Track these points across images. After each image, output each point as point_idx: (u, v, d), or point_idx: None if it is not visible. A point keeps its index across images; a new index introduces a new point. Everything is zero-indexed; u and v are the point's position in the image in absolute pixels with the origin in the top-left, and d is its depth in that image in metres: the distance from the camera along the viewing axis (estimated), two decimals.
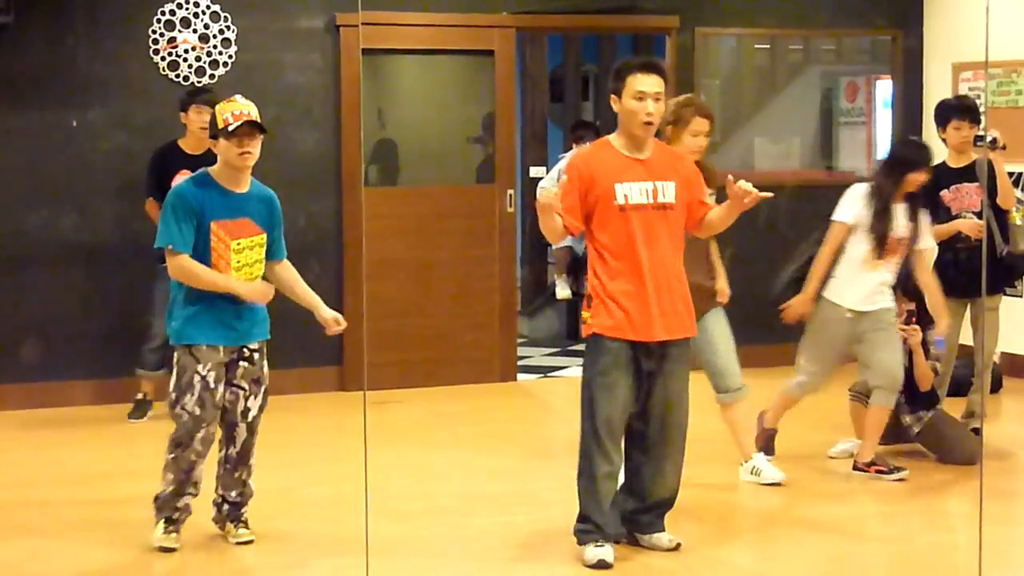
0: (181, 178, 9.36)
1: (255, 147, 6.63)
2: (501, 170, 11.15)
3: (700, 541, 6.90)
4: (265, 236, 6.72)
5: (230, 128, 6.52)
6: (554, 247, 12.78)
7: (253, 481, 6.92)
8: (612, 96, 6.48)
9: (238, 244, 6.59)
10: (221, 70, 10.39)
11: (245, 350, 6.72)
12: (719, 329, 7.75)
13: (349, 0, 10.51)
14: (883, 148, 12.34)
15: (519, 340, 11.71)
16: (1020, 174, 10.40)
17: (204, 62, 10.36)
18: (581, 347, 13.34)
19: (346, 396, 10.52)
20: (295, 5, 10.59)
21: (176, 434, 6.65)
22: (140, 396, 9.79)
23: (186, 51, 10.32)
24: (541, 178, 13.11)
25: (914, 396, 8.42)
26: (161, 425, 9.48)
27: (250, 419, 6.79)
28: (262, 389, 6.81)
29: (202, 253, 6.56)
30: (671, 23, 11.40)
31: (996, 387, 10.15)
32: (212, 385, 6.59)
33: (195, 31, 10.34)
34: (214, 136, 6.63)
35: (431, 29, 10.87)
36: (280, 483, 8.00)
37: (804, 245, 8.38)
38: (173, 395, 6.63)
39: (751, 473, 7.95)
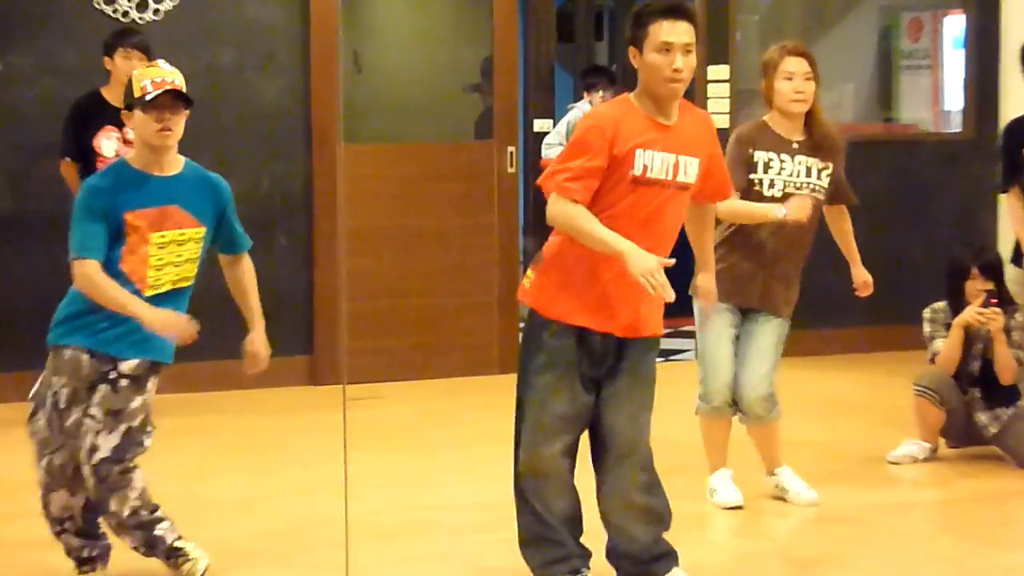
0: (105, 135, 9.44)
1: (177, 124, 6.39)
2: (501, 123, 11.15)
3: (729, 560, 6.91)
4: (204, 230, 6.49)
5: (148, 97, 6.29)
6: None
7: (164, 510, 6.57)
8: (631, 49, 6.22)
9: (160, 237, 6.34)
10: (167, 4, 10.38)
11: (114, 372, 6.37)
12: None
13: None
14: (952, 96, 12.35)
15: (521, 324, 11.70)
16: None
17: None
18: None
19: (318, 391, 10.53)
20: None
21: (37, 438, 6.50)
22: None
23: None
24: (547, 132, 13.17)
25: (992, 391, 8.46)
26: None
27: (97, 461, 6.31)
28: (122, 427, 6.35)
29: (112, 250, 6.34)
30: None
31: None
32: (63, 404, 6.36)
33: None
34: (129, 107, 6.39)
35: None
36: (243, 493, 8.02)
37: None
38: (32, 404, 6.49)
39: (776, 489, 7.94)
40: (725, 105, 11.43)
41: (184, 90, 6.41)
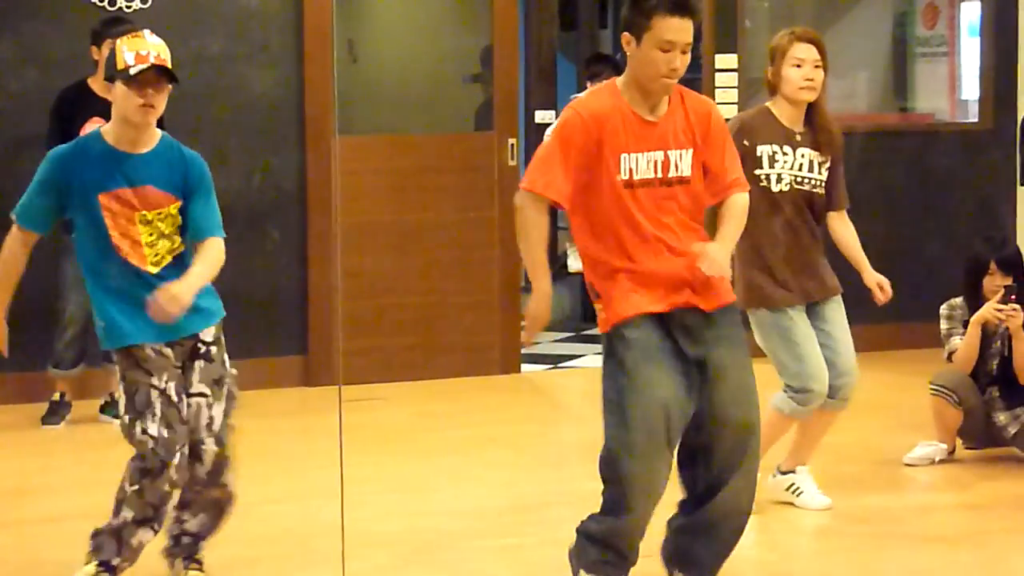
0: (92, 126, 9.36)
1: (160, 100, 6.26)
2: (502, 114, 11.14)
3: (747, 563, 6.88)
4: (180, 203, 6.37)
5: (132, 71, 6.17)
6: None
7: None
8: (626, 35, 6.07)
9: (143, 216, 6.29)
10: None
11: (200, 345, 6.46)
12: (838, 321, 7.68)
13: None
14: (968, 85, 12.32)
15: (523, 324, 11.66)
16: None
17: None
18: (597, 331, 13.46)
19: (313, 392, 10.51)
20: None
21: (144, 463, 6.33)
22: (56, 397, 9.76)
23: None
24: (549, 124, 13.13)
25: (1011, 390, 8.45)
26: (81, 431, 9.54)
27: (216, 430, 6.47)
28: (224, 391, 6.50)
29: (95, 235, 6.30)
30: None
31: None
32: (176, 398, 6.34)
33: None
34: (110, 78, 6.29)
35: None
36: (240, 497, 7.98)
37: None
38: (127, 418, 6.33)
39: (789, 490, 7.89)
40: (734, 95, 11.41)
41: (169, 65, 6.27)
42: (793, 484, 7.82)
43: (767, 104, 7.66)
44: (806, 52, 7.52)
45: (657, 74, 5.97)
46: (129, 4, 10.25)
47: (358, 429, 8.82)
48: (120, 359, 6.33)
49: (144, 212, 6.27)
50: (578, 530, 6.27)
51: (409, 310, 10.85)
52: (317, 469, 8.25)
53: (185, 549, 6.63)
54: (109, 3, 10.21)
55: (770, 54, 7.66)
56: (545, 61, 14.27)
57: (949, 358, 8.52)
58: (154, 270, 6.30)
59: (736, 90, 11.41)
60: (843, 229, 7.81)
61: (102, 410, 9.78)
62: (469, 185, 10.98)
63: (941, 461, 8.56)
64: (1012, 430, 8.47)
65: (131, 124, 6.27)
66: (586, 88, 13.00)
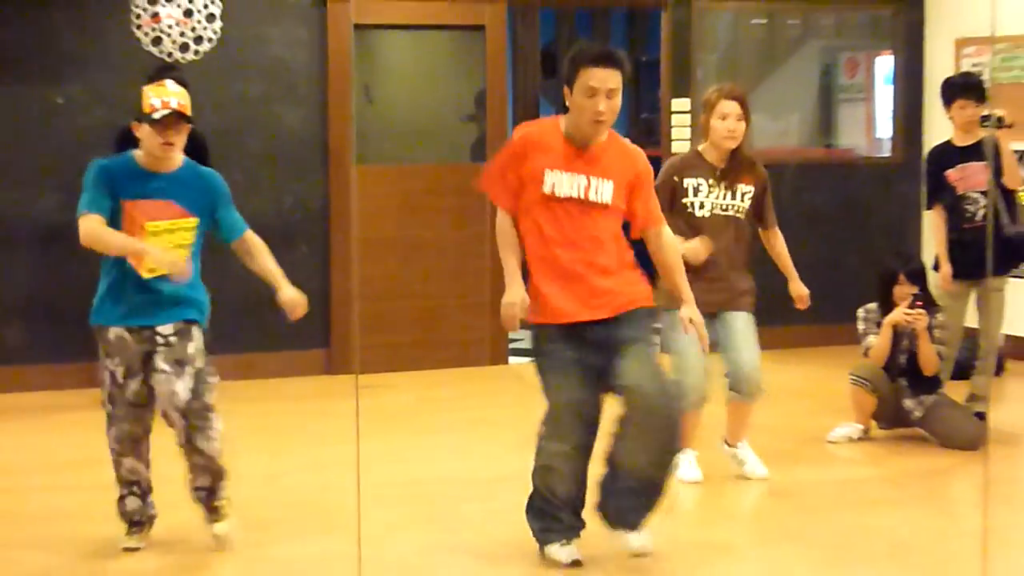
0: None
1: (180, 138, 6.31)
2: (492, 147, 11.10)
3: (694, 526, 6.87)
4: (196, 220, 6.39)
5: (155, 116, 6.21)
6: None
7: (228, 466, 6.62)
8: (565, 88, 6.06)
9: (155, 226, 6.26)
10: (206, 45, 10.34)
11: (158, 336, 6.38)
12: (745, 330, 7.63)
13: None
14: (883, 125, 12.33)
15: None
16: None
17: (188, 37, 10.31)
18: None
19: (333, 380, 10.49)
20: None
21: (111, 430, 6.52)
22: None
23: (170, 26, 10.27)
24: None
25: (917, 380, 8.45)
26: None
27: (180, 404, 6.35)
28: (187, 369, 6.37)
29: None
30: None
31: (999, 370, 10.13)
32: (120, 379, 6.39)
33: (179, 6, 10.29)
34: (138, 119, 6.32)
35: (420, 4, 10.82)
36: (265, 469, 7.98)
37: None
38: (102, 390, 6.50)
39: (734, 460, 7.90)
40: (687, 133, 11.39)
41: (188, 111, 6.31)
42: (736, 456, 7.83)
43: (699, 147, 7.71)
44: (730, 108, 7.55)
45: (586, 119, 5.99)
46: (184, 56, 10.24)
47: (371, 411, 8.83)
48: (99, 332, 6.44)
49: (157, 222, 6.25)
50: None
51: (413, 311, 10.84)
52: (335, 444, 8.23)
53: (203, 502, 6.64)
54: (167, 56, 10.20)
55: (703, 105, 7.70)
56: (529, 103, 14.22)
57: (865, 353, 8.52)
58: (147, 275, 6.29)
59: (689, 128, 11.40)
60: (776, 245, 7.84)
61: None
62: (464, 207, 10.96)
63: (858, 439, 8.57)
64: (917, 413, 8.48)
65: (155, 156, 6.32)
66: None
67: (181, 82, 9.42)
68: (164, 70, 9.64)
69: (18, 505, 7.45)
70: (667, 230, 6.41)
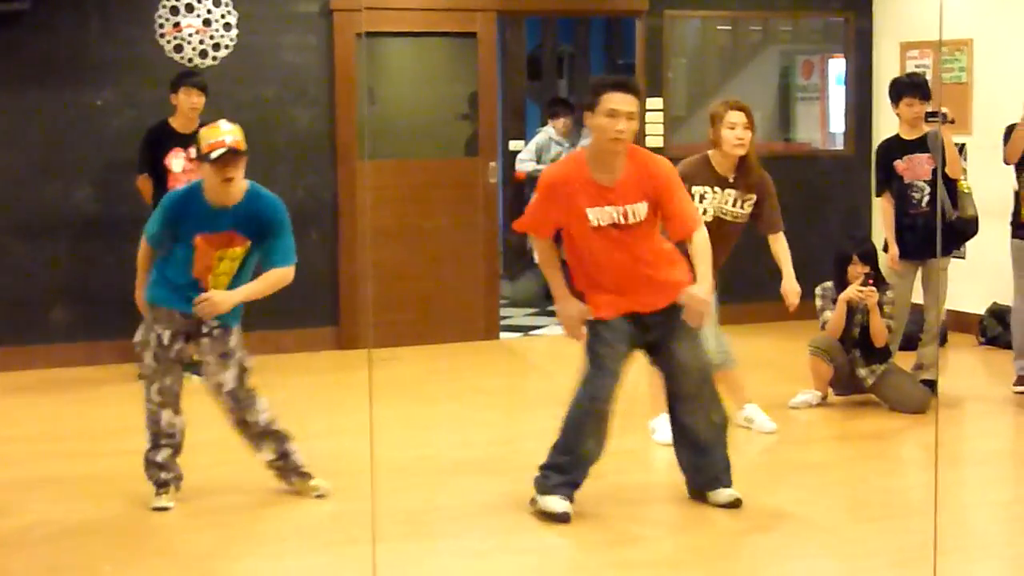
0: (174, 155, 9.40)
1: (238, 172, 6.36)
2: (484, 144, 11.14)
3: (672, 490, 6.92)
4: (250, 243, 6.48)
5: (212, 157, 6.29)
6: None
7: (286, 437, 6.78)
8: (586, 112, 6.24)
9: (221, 253, 6.44)
10: (223, 52, 10.34)
11: (204, 326, 6.53)
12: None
13: None
14: (836, 121, 12.36)
15: (501, 301, 11.71)
16: (965, 145, 10.42)
17: (207, 45, 10.31)
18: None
19: (343, 354, 10.50)
20: None
21: (145, 391, 6.62)
22: None
23: (190, 35, 10.27)
24: (519, 151, 13.15)
25: (869, 351, 8.48)
26: None
27: (228, 391, 6.58)
28: (232, 361, 6.57)
29: (183, 259, 6.47)
30: (641, 6, 11.37)
31: (942, 342, 10.18)
32: (166, 342, 6.49)
33: (198, 16, 10.29)
34: (200, 159, 6.42)
35: (419, 13, 10.83)
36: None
37: None
38: (139, 351, 6.60)
39: (744, 420, 7.98)
40: (660, 129, 11.41)
41: (241, 145, 6.37)
42: (746, 416, 7.96)
43: (707, 153, 7.69)
44: (737, 117, 7.55)
45: (607, 136, 6.15)
46: (203, 62, 10.25)
47: (377, 382, 8.87)
48: (151, 308, 6.57)
49: (223, 251, 6.44)
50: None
51: (415, 292, 10.83)
52: (347, 413, 8.28)
53: (284, 470, 6.80)
54: (188, 61, 10.21)
55: (710, 118, 7.66)
56: (517, 103, 14.25)
57: (823, 327, 8.56)
58: (206, 287, 6.50)
59: (662, 124, 11.43)
60: (777, 247, 7.84)
61: (185, 368, 9.76)
62: (460, 198, 10.97)
63: (817, 405, 8.60)
64: (870, 381, 8.52)
65: (217, 192, 6.40)
66: (547, 123, 13.05)
67: (202, 86, 9.53)
68: (186, 75, 9.69)
69: (62, 468, 7.48)
70: (700, 236, 6.43)
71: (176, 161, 9.48)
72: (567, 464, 6.43)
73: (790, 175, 11.68)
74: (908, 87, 8.82)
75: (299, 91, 10.61)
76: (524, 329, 11.82)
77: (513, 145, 13.52)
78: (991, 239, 8.95)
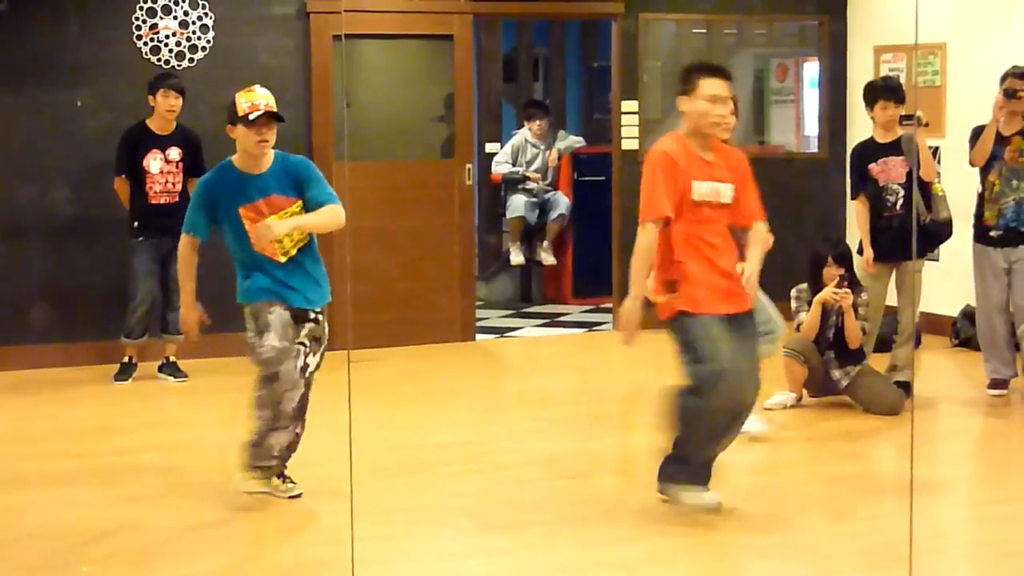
0: (152, 156, 9.40)
1: (271, 135, 6.52)
2: (460, 146, 11.14)
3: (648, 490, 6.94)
4: (299, 203, 6.55)
5: (250, 117, 6.43)
6: (507, 217, 12.85)
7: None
8: (682, 98, 6.32)
9: (276, 219, 6.48)
10: (200, 54, 10.34)
11: (310, 312, 6.64)
12: None
13: None
14: (810, 124, 12.41)
15: (477, 303, 11.73)
16: (939, 148, 10.46)
17: (184, 47, 10.30)
18: (533, 309, 13.40)
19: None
20: None
21: (264, 371, 6.53)
22: (125, 360, 9.74)
23: (167, 36, 10.26)
24: (495, 153, 13.17)
25: (843, 353, 8.52)
26: (144, 386, 9.53)
27: (308, 374, 6.65)
28: (321, 348, 6.71)
29: (237, 237, 6.54)
30: (616, 9, 11.41)
31: (916, 344, 10.21)
32: (286, 321, 6.53)
33: (175, 18, 10.28)
34: (232, 122, 6.51)
35: (395, 15, 10.83)
36: None
37: None
38: (252, 338, 6.53)
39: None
40: (635, 131, 11.44)
41: (275, 108, 6.55)
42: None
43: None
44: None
45: (708, 120, 6.26)
46: (180, 64, 10.24)
47: (355, 383, 8.84)
48: (250, 306, 6.57)
49: (277, 215, 6.47)
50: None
51: (392, 293, 10.81)
52: (326, 413, 8.25)
53: (285, 460, 6.80)
54: (164, 63, 10.20)
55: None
56: (492, 106, 14.27)
57: (797, 328, 8.59)
58: (284, 259, 6.55)
59: (637, 127, 11.46)
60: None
61: (160, 370, 9.77)
62: (436, 199, 10.97)
63: (792, 406, 8.63)
64: (844, 383, 8.55)
65: (251, 155, 6.50)
66: (523, 126, 13.06)
67: (179, 88, 9.54)
68: (163, 77, 9.69)
69: (35, 469, 7.47)
70: (763, 225, 6.57)
71: (153, 163, 9.48)
72: (698, 458, 6.45)
73: (765, 178, 11.53)
74: (882, 90, 8.86)
75: (276, 93, 10.34)
76: (500, 331, 11.84)
77: (489, 147, 13.55)
78: (964, 242, 8.98)
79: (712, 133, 6.32)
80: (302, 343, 6.58)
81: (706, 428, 6.36)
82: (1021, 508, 6.65)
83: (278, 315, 6.52)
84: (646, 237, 6.25)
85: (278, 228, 6.41)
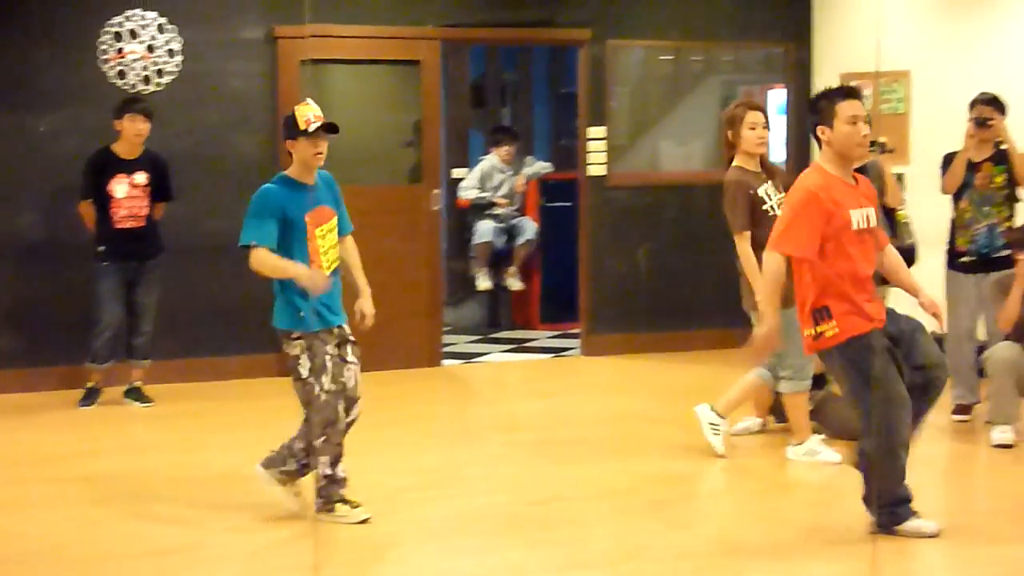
0: (118, 181, 9.37)
1: (326, 148, 6.68)
2: (427, 171, 11.15)
3: (615, 513, 6.93)
4: (336, 216, 6.82)
5: (310, 129, 6.56)
6: (475, 242, 12.84)
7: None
8: (820, 127, 6.33)
9: (320, 231, 6.66)
10: (166, 79, 10.32)
11: (346, 331, 6.81)
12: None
13: (287, 13, 10.48)
14: (777, 151, 12.45)
15: (444, 328, 11.72)
16: (903, 175, 10.51)
17: (150, 71, 10.28)
18: (501, 334, 13.39)
19: (285, 381, 10.35)
20: (236, 18, 10.54)
21: (323, 415, 6.63)
22: (90, 385, 9.70)
23: (134, 61, 10.24)
24: (463, 178, 13.18)
25: None
26: (110, 411, 9.49)
27: (360, 393, 6.89)
28: (359, 365, 6.89)
29: (299, 247, 6.60)
30: (584, 36, 11.45)
31: None
32: (340, 361, 6.70)
33: (142, 42, 10.27)
34: (291, 136, 6.63)
35: (364, 41, 10.85)
36: (230, 461, 7.99)
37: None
38: (309, 379, 6.63)
39: (804, 454, 8.02)
40: (603, 157, 11.48)
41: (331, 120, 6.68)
42: (809, 449, 8.00)
43: (736, 163, 7.84)
44: (756, 117, 7.81)
45: (854, 141, 6.26)
46: (146, 88, 10.23)
47: None
48: (304, 338, 6.66)
49: (321, 226, 6.66)
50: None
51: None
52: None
53: (299, 474, 6.87)
54: (131, 88, 10.18)
55: (727, 123, 7.85)
56: (460, 131, 14.30)
57: None
58: (327, 272, 6.70)
59: (604, 153, 11.50)
60: None
61: (126, 395, 9.74)
62: (404, 225, 10.97)
63: (757, 432, 8.65)
64: (809, 408, 8.56)
65: (308, 166, 6.65)
66: (490, 152, 13.07)
67: (147, 112, 9.52)
68: (131, 101, 9.67)
69: (7, 493, 7.43)
70: (891, 247, 6.67)
71: (119, 187, 9.46)
72: (903, 491, 6.43)
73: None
74: None
75: (243, 117, 10.60)
76: (467, 356, 11.83)
77: (456, 172, 13.56)
78: (929, 268, 9.03)
79: (856, 156, 6.36)
80: (353, 362, 6.83)
81: (889, 467, 6.33)
82: (987, 529, 6.66)
83: (330, 354, 6.66)
84: (775, 264, 6.31)
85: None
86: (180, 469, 7.58)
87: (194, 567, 6.32)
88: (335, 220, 6.81)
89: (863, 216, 6.32)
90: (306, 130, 6.58)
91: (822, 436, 8.10)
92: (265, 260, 6.54)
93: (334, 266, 6.77)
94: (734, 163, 7.84)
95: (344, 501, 6.76)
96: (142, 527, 6.75)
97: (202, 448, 8.49)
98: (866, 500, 6.42)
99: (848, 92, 6.37)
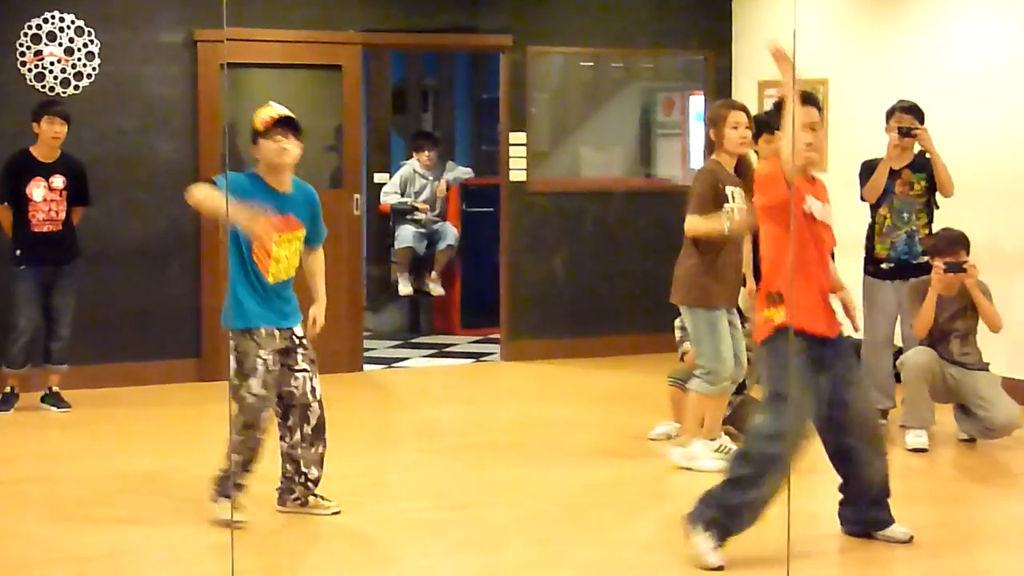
0: (35, 184, 9.30)
1: (292, 144, 6.58)
2: (348, 176, 11.15)
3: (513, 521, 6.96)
4: (304, 231, 6.71)
5: (263, 128, 6.53)
6: (396, 247, 12.85)
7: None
8: (775, 132, 6.57)
9: (279, 237, 6.54)
10: (85, 81, 10.26)
11: (294, 337, 6.71)
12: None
13: (207, 17, 10.44)
14: (696, 157, 12.54)
15: (365, 334, 11.71)
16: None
17: (69, 74, 10.21)
18: (421, 339, 13.38)
19: (204, 386, 10.42)
20: (156, 21, 10.49)
21: (244, 416, 6.56)
22: (7, 389, 9.60)
23: (52, 63, 10.16)
24: (384, 183, 13.17)
25: None
26: (27, 416, 9.41)
27: (318, 395, 6.83)
28: (315, 367, 6.84)
29: (247, 246, 6.53)
30: (505, 42, 11.48)
31: None
32: (271, 367, 6.58)
33: (60, 45, 10.19)
34: (255, 140, 6.58)
35: (284, 45, 10.83)
36: (148, 466, 7.95)
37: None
38: (236, 380, 6.55)
39: (683, 457, 8.00)
40: (523, 163, 11.52)
41: (293, 116, 6.62)
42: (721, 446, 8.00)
43: (714, 159, 7.89)
44: (739, 117, 7.82)
45: (800, 147, 6.24)
46: (65, 91, 10.15)
47: None
48: (237, 335, 6.56)
49: (281, 234, 6.54)
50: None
51: None
52: (211, 446, 8.19)
53: (310, 490, 6.93)
54: (49, 90, 10.11)
55: (710, 122, 7.92)
56: (381, 136, 14.29)
57: (682, 358, 8.61)
58: (272, 281, 6.60)
59: (525, 159, 11.54)
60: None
61: (43, 400, 9.65)
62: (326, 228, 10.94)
63: (675, 436, 8.63)
64: (726, 412, 8.60)
65: (275, 166, 6.56)
66: (411, 157, 13.08)
67: (65, 115, 9.46)
68: (48, 104, 9.59)
69: None
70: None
71: (37, 190, 9.38)
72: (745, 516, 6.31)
73: (651, 210, 11.86)
74: (766, 125, 8.95)
75: (162, 121, 10.54)
76: (388, 361, 11.83)
77: (378, 178, 13.56)
78: (845, 275, 9.09)
79: (804, 158, 6.36)
80: (304, 369, 6.74)
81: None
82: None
83: (265, 359, 6.56)
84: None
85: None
86: (98, 474, 7.52)
87: (114, 572, 6.28)
88: (301, 233, 6.72)
89: (823, 210, 6.39)
90: (262, 131, 6.54)
91: (718, 443, 8.06)
92: (210, 193, 6.42)
93: (284, 277, 6.69)
94: (712, 157, 7.92)
95: (227, 497, 6.67)
96: (60, 533, 6.70)
97: (120, 453, 8.43)
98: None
99: (806, 98, 6.38)
